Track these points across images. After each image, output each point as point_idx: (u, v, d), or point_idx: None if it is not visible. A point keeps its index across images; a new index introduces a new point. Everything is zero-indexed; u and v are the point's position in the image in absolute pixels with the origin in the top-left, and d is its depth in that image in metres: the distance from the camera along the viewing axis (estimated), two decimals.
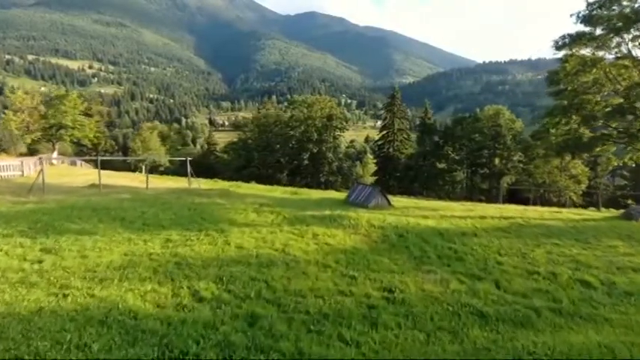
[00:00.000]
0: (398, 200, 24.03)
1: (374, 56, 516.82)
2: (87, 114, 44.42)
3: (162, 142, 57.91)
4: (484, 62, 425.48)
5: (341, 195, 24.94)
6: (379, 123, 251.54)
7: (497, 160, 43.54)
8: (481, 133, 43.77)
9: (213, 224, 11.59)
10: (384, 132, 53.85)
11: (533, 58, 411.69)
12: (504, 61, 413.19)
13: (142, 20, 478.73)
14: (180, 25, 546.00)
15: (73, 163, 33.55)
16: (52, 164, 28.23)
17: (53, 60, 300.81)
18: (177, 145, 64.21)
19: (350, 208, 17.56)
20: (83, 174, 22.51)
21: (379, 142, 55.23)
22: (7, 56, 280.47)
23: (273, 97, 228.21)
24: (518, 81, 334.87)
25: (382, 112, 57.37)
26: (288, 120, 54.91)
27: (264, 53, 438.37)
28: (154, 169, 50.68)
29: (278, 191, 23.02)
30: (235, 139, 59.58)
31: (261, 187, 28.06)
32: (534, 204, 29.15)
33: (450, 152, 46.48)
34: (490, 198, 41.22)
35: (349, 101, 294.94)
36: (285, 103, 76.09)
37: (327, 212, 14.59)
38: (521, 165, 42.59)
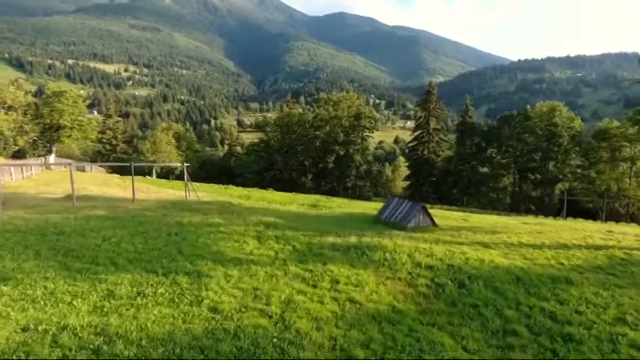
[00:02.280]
0: (440, 215, 19.96)
1: (403, 56, 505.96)
2: (107, 115, 42.41)
3: (178, 144, 54.82)
4: (519, 60, 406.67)
5: (370, 208, 21.14)
6: (409, 123, 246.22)
7: (551, 165, 38.05)
8: (533, 134, 38.32)
9: (191, 262, 8.21)
10: (418, 132, 48.92)
11: (572, 54, 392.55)
12: (541, 59, 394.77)
13: (175, 24, 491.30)
14: (211, 28, 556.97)
15: (81, 168, 31.47)
16: (48, 169, 26.11)
17: (91, 64, 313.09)
18: (194, 145, 60.50)
19: (383, 229, 13.83)
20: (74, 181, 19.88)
21: (412, 144, 50.35)
22: (49, 61, 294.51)
23: (302, 97, 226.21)
24: (555, 79, 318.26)
25: (415, 110, 52.29)
26: (313, 120, 51.07)
27: (293, 54, 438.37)
28: (169, 172, 48.45)
29: (295, 203, 19.52)
30: (256, 140, 56.56)
31: (278, 195, 24.64)
32: (603, 218, 24.15)
33: (494, 155, 41.24)
34: (542, 208, 36.04)
35: (378, 101, 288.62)
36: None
37: (353, 239, 10.95)
38: (579, 170, 36.80)
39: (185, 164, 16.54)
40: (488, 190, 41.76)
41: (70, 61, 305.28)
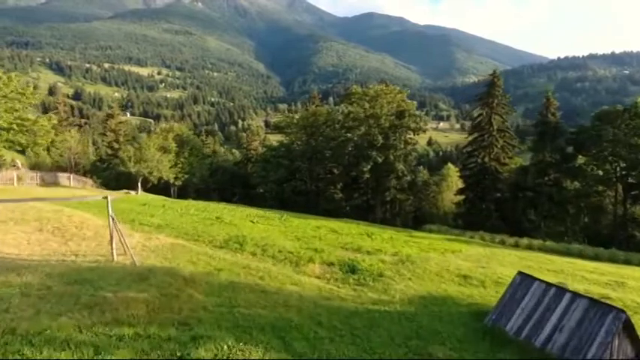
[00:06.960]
0: (549, 268, 10.87)
1: (435, 55, 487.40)
2: (108, 115, 35.15)
3: (180, 149, 45.19)
4: (559, 58, 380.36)
5: (451, 273, 12.02)
6: (442, 124, 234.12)
7: None
8: None
9: None
10: (477, 134, 38.76)
11: (617, 51, 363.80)
12: (583, 56, 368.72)
13: (207, 27, 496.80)
14: (241, 30, 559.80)
15: (45, 181, 24.68)
16: None
17: (126, 67, 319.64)
18: (201, 150, 51.53)
19: None
20: None
21: (469, 149, 40.15)
22: (87, 65, 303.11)
23: (330, 98, 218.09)
24: (599, 77, 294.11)
25: (476, 105, 41.34)
26: (344, 119, 42.33)
27: (322, 55, 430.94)
28: (168, 185, 40.68)
29: (317, 261, 11.25)
30: (275, 144, 48.38)
31: (291, 231, 16.32)
32: None
33: (591, 166, 31.06)
34: None
35: (409, 102, 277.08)
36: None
37: None
38: None
39: (107, 198, 8.59)
40: (577, 213, 31.61)
41: (107, 65, 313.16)
